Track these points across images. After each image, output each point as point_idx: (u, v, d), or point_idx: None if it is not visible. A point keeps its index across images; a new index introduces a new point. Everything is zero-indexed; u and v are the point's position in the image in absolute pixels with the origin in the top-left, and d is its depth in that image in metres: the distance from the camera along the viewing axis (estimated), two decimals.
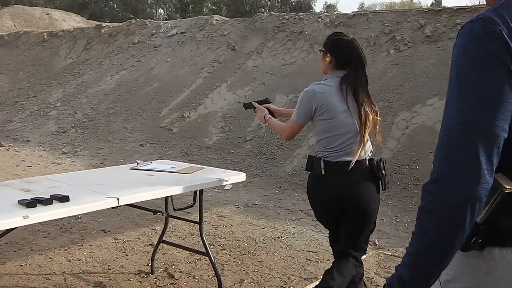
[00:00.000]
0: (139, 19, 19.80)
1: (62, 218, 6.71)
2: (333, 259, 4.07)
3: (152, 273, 5.20)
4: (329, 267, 3.94)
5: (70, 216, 6.68)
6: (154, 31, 17.24)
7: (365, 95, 3.83)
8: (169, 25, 17.38)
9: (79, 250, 5.84)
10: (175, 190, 4.24)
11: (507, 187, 1.58)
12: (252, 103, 4.52)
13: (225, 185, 8.48)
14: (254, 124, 10.91)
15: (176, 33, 16.50)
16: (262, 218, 7.22)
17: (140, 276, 5.14)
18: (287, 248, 6.05)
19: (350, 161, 3.69)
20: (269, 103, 4.47)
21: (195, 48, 15.36)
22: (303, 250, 5.97)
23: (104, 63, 17.12)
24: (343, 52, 3.85)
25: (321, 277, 3.93)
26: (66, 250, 5.82)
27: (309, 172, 3.95)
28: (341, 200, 3.79)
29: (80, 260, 5.53)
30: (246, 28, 14.71)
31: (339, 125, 3.76)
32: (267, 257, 5.75)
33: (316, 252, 5.91)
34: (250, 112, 10.97)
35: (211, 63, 14.12)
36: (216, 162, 9.85)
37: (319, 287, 3.85)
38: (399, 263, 1.66)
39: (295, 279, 5.16)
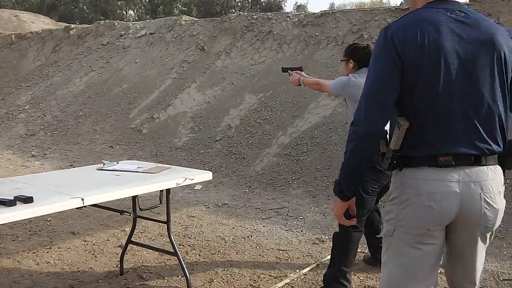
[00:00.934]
0: (107, 20, 19.66)
1: (30, 221, 6.67)
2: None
3: (121, 274, 5.18)
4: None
5: (38, 219, 6.66)
6: (123, 32, 17.17)
7: None
8: (138, 26, 17.31)
9: (47, 252, 5.80)
10: (141, 189, 4.23)
11: (401, 123, 2.58)
12: (288, 71, 5.39)
13: (194, 185, 8.53)
14: (224, 124, 10.92)
15: (145, 34, 16.44)
16: (232, 218, 7.23)
17: (109, 278, 5.12)
18: (257, 247, 6.07)
19: None
20: (302, 70, 5.34)
21: (164, 48, 15.33)
22: (273, 249, 5.99)
23: (73, 65, 17.00)
24: (362, 57, 4.74)
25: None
26: (34, 253, 5.78)
27: None
28: None
29: (48, 263, 5.50)
30: (215, 28, 14.71)
31: None
32: (236, 256, 5.77)
33: (286, 251, 5.93)
34: (219, 112, 10.99)
35: (180, 64, 14.10)
36: (186, 163, 9.84)
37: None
38: None
39: (264, 277, 5.17)
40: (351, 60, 4.83)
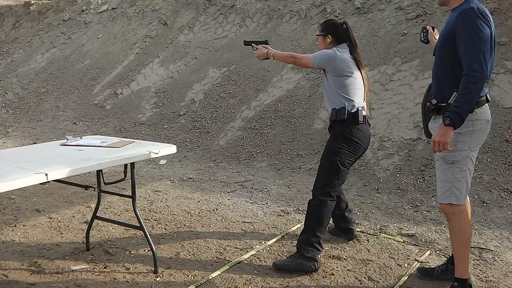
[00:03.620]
0: None
1: None
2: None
3: (88, 250, 5.19)
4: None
5: (2, 197, 6.63)
6: (84, 8, 16.96)
7: (364, 67, 5.03)
8: (100, 1, 17.09)
9: (12, 231, 5.76)
10: (105, 164, 4.21)
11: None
12: (252, 44, 5.28)
13: (158, 158, 8.53)
14: (187, 98, 10.89)
15: (107, 9, 16.26)
16: (197, 192, 7.26)
17: (75, 254, 5.11)
18: (223, 220, 6.11)
19: (366, 115, 4.90)
20: (267, 44, 5.22)
21: (126, 24, 15.19)
22: (238, 221, 6.05)
23: (34, 41, 16.77)
24: (340, 33, 4.92)
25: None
26: None
27: (339, 122, 4.79)
28: (367, 145, 4.95)
29: (14, 241, 5.47)
30: (177, 2, 14.59)
31: (358, 81, 4.84)
32: (202, 229, 5.80)
33: (251, 223, 5.99)
34: (183, 87, 10.91)
35: (143, 39, 13.99)
36: (150, 138, 9.82)
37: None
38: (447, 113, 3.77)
39: (231, 249, 5.22)
40: (329, 35, 4.92)
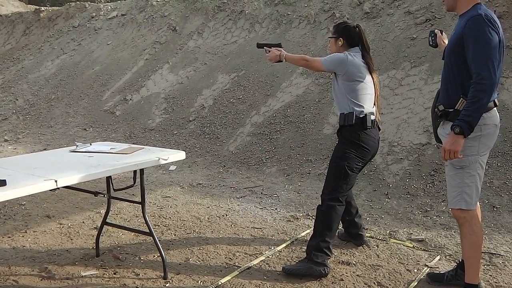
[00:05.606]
0: (78, 2, 19.45)
1: (4, 206, 6.65)
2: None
3: (97, 255, 5.20)
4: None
5: (12, 203, 6.64)
6: (94, 14, 17.02)
7: (376, 71, 5.01)
8: (109, 7, 17.16)
9: (23, 236, 5.79)
10: (115, 170, 4.23)
11: None
12: (265, 46, 5.27)
13: (168, 164, 8.54)
14: (197, 104, 10.91)
15: (117, 16, 16.32)
16: (207, 197, 7.26)
17: (85, 259, 5.12)
18: (232, 225, 6.12)
19: (375, 119, 4.87)
20: (281, 47, 5.15)
21: (135, 30, 15.24)
22: (248, 227, 6.05)
23: (44, 48, 16.84)
24: (353, 36, 4.91)
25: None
26: (9, 237, 5.76)
27: (347, 126, 4.81)
28: (375, 150, 4.94)
29: (24, 246, 5.49)
30: (187, 8, 14.64)
31: (369, 86, 4.82)
32: (212, 235, 5.81)
33: (260, 229, 5.99)
34: (193, 93, 10.92)
35: (152, 45, 14.03)
36: (160, 144, 9.84)
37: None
38: (457, 121, 3.80)
39: (240, 255, 5.22)
40: (340, 38, 4.92)
